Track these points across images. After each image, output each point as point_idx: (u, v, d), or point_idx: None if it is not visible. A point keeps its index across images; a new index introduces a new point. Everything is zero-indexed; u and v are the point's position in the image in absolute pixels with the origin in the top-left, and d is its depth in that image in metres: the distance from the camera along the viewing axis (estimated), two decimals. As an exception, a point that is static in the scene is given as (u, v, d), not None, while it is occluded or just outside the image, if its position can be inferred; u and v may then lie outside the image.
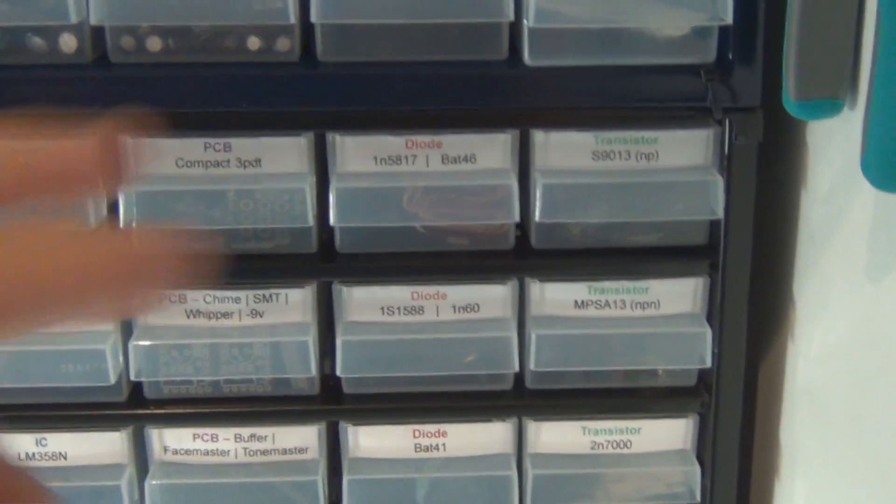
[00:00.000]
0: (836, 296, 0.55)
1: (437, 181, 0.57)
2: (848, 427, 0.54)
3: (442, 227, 0.59)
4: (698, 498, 0.64)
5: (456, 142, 0.57)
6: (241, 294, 0.59)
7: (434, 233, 0.59)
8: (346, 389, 0.62)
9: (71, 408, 0.60)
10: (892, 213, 0.48)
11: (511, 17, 0.53)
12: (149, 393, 0.61)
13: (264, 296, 0.59)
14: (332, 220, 0.57)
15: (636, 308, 0.61)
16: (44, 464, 0.60)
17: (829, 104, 0.49)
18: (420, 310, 0.60)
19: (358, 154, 0.57)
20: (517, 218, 0.57)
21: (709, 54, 0.55)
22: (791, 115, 0.50)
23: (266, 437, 0.63)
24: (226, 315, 0.59)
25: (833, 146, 0.54)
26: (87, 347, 0.58)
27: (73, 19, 0.53)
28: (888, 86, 0.43)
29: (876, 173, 0.44)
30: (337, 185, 0.56)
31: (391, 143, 0.57)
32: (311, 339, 0.59)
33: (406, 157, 0.57)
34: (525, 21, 0.53)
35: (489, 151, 0.57)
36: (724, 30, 0.55)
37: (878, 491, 0.51)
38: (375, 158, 0.57)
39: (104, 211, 0.57)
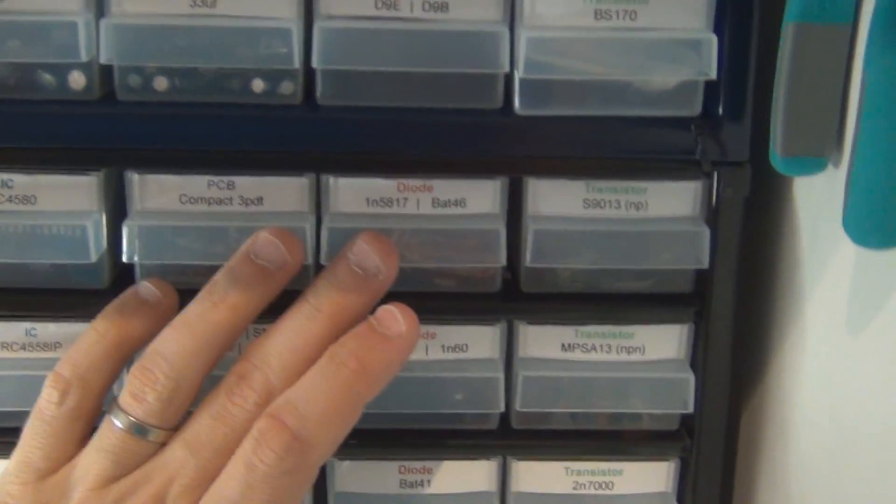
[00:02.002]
0: (816, 346, 0.57)
1: (427, 224, 0.59)
2: (827, 475, 0.56)
3: (429, 268, 0.60)
4: (678, 540, 0.65)
5: (447, 186, 0.59)
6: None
7: (421, 274, 0.60)
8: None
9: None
10: (871, 267, 0.50)
11: (507, 68, 0.55)
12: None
13: (261, 330, 0.60)
14: (322, 259, 0.58)
15: (621, 352, 0.62)
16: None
17: (814, 161, 0.51)
18: (410, 349, 0.61)
19: (351, 196, 0.59)
20: (504, 262, 0.59)
21: (695, 108, 0.57)
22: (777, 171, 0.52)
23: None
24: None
25: (817, 202, 0.56)
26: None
27: (84, 57, 0.54)
28: (870, 147, 0.44)
29: (857, 230, 0.46)
30: (329, 225, 0.58)
31: (383, 185, 0.58)
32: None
33: (397, 200, 0.59)
34: (516, 72, 0.55)
35: (479, 196, 0.59)
36: (713, 85, 0.56)
37: (853, 538, 0.53)
38: (368, 200, 0.59)
39: (104, 245, 0.58)
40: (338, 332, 0.53)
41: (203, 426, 0.50)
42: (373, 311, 0.54)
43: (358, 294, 0.53)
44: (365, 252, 0.54)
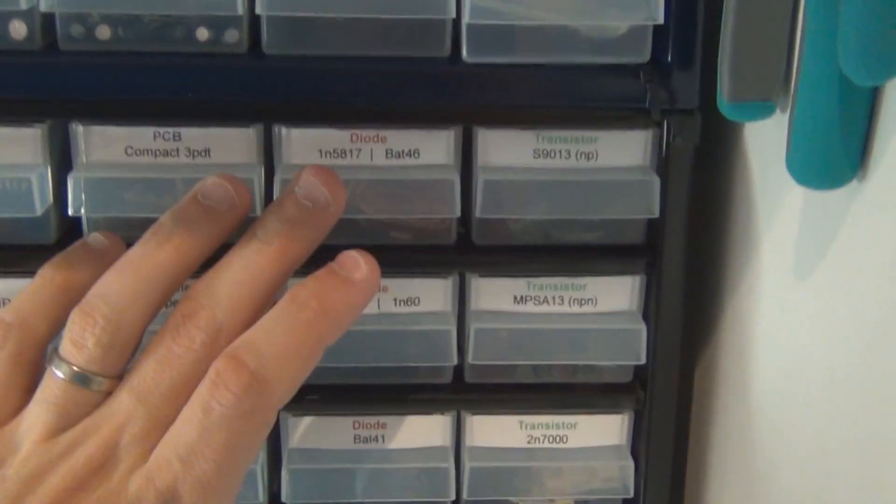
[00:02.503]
0: (766, 291, 0.57)
1: (381, 175, 0.58)
2: (776, 421, 0.56)
3: (384, 220, 0.60)
4: (632, 492, 0.65)
5: (400, 137, 0.58)
6: (190, 281, 0.60)
7: (376, 226, 0.60)
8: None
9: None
10: (819, 213, 0.49)
11: (453, 14, 0.54)
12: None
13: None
14: (274, 210, 0.58)
15: (574, 304, 0.62)
16: None
17: (762, 107, 0.51)
18: (362, 302, 0.61)
19: (303, 147, 0.58)
20: (458, 213, 0.59)
21: (644, 55, 0.56)
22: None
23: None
24: (174, 303, 0.60)
25: (766, 148, 0.56)
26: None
27: (23, 6, 0.53)
28: (810, 86, 0.44)
29: (799, 170, 0.46)
30: (282, 176, 0.57)
31: (336, 136, 0.58)
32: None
33: (351, 151, 0.58)
34: (462, 18, 0.55)
35: (432, 147, 0.58)
36: (663, 32, 0.56)
37: (803, 482, 0.53)
38: (321, 151, 0.58)
39: (49, 199, 0.58)
40: (287, 267, 0.52)
41: (149, 371, 0.49)
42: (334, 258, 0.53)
43: (307, 228, 0.52)
44: (313, 184, 0.53)
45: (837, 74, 0.42)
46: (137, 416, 0.48)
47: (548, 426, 0.65)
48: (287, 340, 0.49)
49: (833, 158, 0.44)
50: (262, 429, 0.49)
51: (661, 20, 0.55)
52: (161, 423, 0.48)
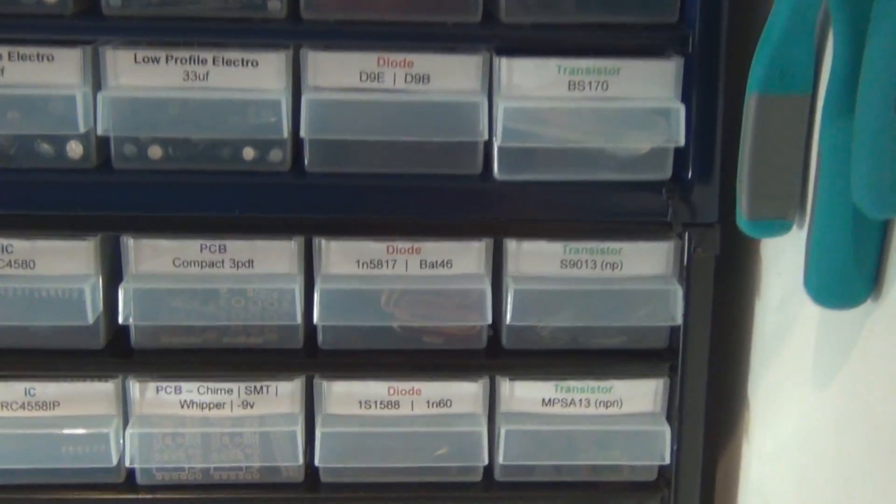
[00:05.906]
0: (784, 399, 0.59)
1: (416, 284, 0.61)
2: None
3: (417, 326, 0.62)
4: None
5: (434, 248, 0.61)
6: (233, 386, 0.62)
7: (410, 332, 0.63)
8: (324, 479, 0.65)
9: (70, 489, 0.64)
10: (834, 324, 0.52)
11: (485, 136, 0.58)
12: (141, 479, 0.65)
13: (255, 388, 0.62)
14: (315, 318, 0.60)
15: (600, 406, 0.64)
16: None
17: (779, 224, 0.53)
18: (396, 404, 0.64)
19: (342, 258, 0.61)
20: (489, 320, 0.61)
21: (665, 172, 0.60)
22: (744, 232, 0.54)
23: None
24: (218, 405, 0.62)
25: (783, 260, 0.58)
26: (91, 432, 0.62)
27: (82, 129, 0.57)
28: (826, 214, 0.47)
29: (816, 291, 0.49)
30: (322, 286, 0.60)
31: (373, 248, 0.61)
32: (298, 430, 0.63)
33: (387, 262, 0.61)
34: (494, 139, 0.58)
35: (465, 258, 0.61)
36: (683, 150, 0.59)
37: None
38: (358, 262, 0.61)
39: (100, 307, 0.61)
40: None
41: None
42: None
43: None
44: None
45: (851, 205, 0.44)
46: None
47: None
48: None
49: (848, 282, 0.47)
50: None
51: (682, 142, 0.57)
52: None
